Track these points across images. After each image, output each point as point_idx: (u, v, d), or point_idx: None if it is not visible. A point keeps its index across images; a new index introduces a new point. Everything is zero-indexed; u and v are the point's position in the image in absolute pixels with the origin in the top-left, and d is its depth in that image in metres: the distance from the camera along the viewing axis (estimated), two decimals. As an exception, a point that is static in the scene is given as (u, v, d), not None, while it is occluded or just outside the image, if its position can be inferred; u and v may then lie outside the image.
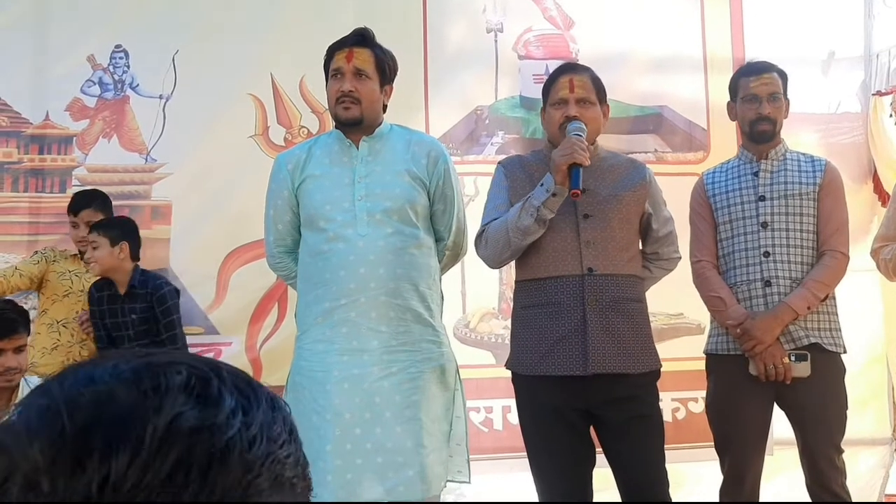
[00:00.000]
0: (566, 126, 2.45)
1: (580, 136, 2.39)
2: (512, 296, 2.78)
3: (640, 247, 2.64)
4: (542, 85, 4.19)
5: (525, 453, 2.57)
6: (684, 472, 3.96)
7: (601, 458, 2.54)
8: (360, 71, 2.52)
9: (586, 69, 2.60)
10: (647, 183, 2.57)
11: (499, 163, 2.72)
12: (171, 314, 3.21)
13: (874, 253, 2.88)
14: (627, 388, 2.43)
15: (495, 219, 2.51)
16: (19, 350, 2.48)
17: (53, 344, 3.28)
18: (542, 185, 2.40)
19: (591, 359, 2.39)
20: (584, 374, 2.39)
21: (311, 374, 2.46)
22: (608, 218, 2.47)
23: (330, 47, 2.60)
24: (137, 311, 3.18)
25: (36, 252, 3.42)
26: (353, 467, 2.37)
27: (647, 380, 2.51)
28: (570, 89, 2.48)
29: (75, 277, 3.35)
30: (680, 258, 2.72)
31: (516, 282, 2.61)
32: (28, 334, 2.55)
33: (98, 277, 3.24)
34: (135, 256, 3.24)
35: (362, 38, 2.57)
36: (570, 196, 2.34)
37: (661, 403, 3.93)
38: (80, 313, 3.30)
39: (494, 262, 2.60)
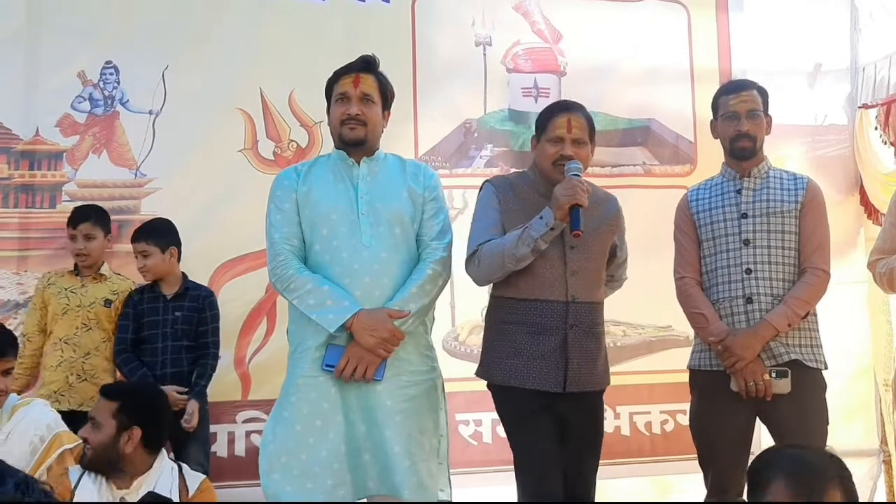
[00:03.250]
0: (560, 163, 2.58)
1: (580, 176, 2.51)
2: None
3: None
4: (531, 98, 4.34)
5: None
6: (672, 483, 3.99)
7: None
8: (367, 96, 2.62)
9: (581, 108, 2.70)
10: (618, 216, 2.75)
11: (487, 181, 2.78)
12: (217, 320, 3.42)
13: (870, 266, 2.92)
14: (588, 403, 2.63)
15: (488, 240, 2.59)
16: (6, 373, 2.49)
17: (58, 361, 3.32)
18: (540, 217, 2.50)
19: (570, 379, 2.55)
20: (560, 392, 2.54)
21: (313, 380, 2.51)
22: (590, 249, 2.63)
23: (336, 72, 2.67)
24: (185, 309, 3.34)
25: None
26: (359, 465, 2.48)
27: (601, 395, 2.72)
28: (567, 129, 2.60)
29: (71, 294, 3.37)
30: (627, 279, 2.90)
31: (495, 297, 2.70)
32: (15, 358, 2.56)
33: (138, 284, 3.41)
34: (179, 258, 3.43)
35: (368, 64, 2.66)
36: (572, 236, 2.48)
37: (648, 416, 4.05)
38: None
39: (484, 282, 2.70)
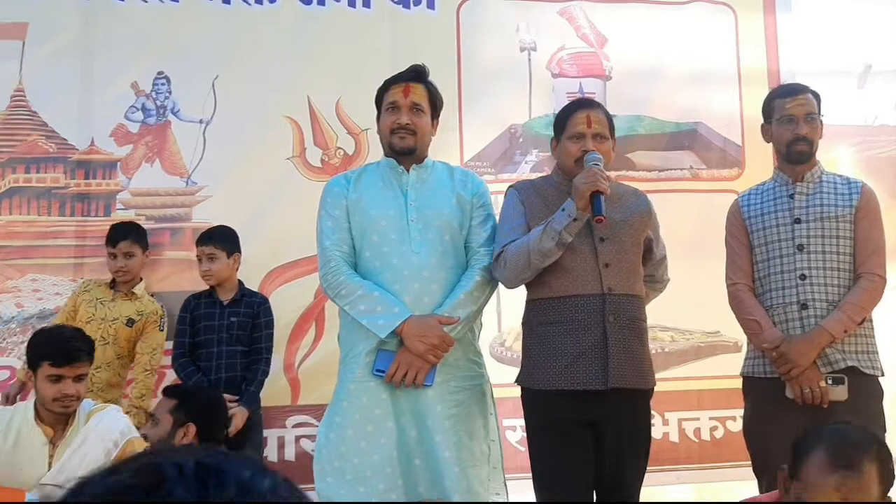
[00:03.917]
0: (583, 158, 2.56)
1: (599, 165, 2.49)
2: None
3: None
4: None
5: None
6: (720, 490, 3.94)
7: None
8: (417, 105, 2.66)
9: (599, 105, 2.71)
10: (650, 210, 2.72)
11: (510, 186, 2.79)
12: (272, 327, 3.49)
13: None
14: (634, 403, 2.57)
15: (513, 241, 2.58)
16: (80, 378, 2.56)
17: None
18: (563, 210, 2.49)
19: (612, 374, 2.49)
20: (603, 389, 2.48)
21: (364, 385, 2.55)
22: (622, 241, 2.59)
23: (386, 81, 2.71)
24: (240, 315, 3.40)
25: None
26: (410, 470, 2.52)
27: (649, 396, 2.66)
28: (587, 124, 2.60)
29: (100, 305, 3.44)
30: (669, 280, 2.83)
31: (529, 300, 2.68)
32: (90, 364, 2.63)
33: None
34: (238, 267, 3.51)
35: (418, 74, 2.70)
36: (595, 222, 2.46)
37: (697, 423, 4.01)
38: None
39: (513, 283, 2.65)
